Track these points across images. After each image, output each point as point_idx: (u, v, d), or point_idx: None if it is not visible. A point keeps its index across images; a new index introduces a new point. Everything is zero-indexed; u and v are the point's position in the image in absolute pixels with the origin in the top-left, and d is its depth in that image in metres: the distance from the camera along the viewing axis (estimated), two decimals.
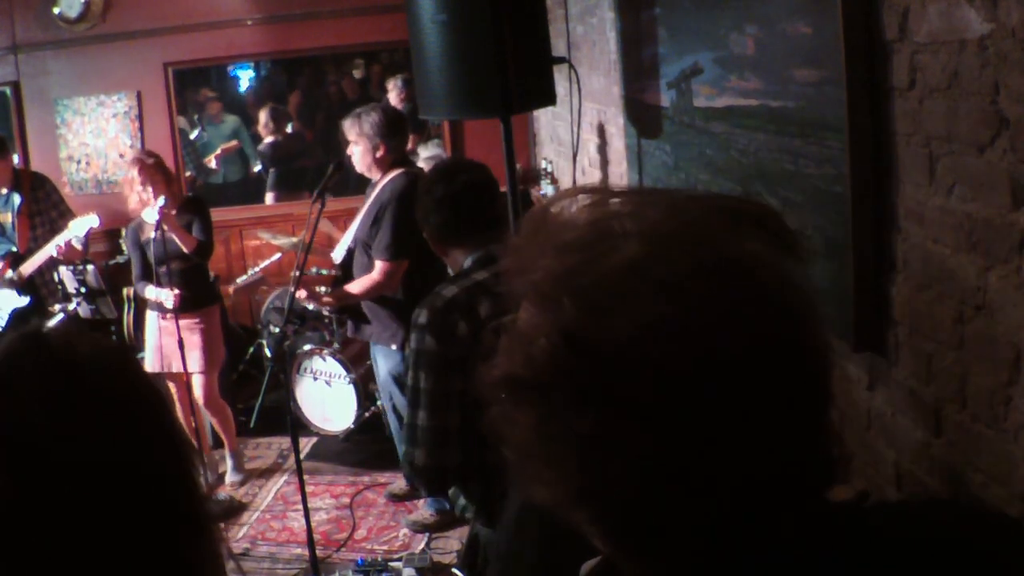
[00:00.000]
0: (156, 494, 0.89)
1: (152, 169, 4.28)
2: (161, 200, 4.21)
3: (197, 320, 4.44)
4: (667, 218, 0.71)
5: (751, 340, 0.67)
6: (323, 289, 4.29)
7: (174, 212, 4.36)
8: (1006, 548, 0.75)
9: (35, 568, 0.83)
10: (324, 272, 5.39)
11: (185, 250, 4.31)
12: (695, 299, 0.67)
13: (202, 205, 4.53)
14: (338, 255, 4.23)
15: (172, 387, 4.50)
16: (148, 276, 4.42)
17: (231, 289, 4.62)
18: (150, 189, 4.25)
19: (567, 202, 0.77)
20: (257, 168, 6.90)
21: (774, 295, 0.70)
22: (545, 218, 0.76)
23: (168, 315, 4.30)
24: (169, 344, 4.32)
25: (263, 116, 6.57)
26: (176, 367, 4.39)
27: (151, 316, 4.49)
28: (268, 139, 6.61)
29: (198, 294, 4.44)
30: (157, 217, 4.17)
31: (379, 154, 3.98)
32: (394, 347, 4.02)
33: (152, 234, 4.27)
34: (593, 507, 0.72)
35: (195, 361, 4.44)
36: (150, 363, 4.46)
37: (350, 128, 4.00)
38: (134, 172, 4.28)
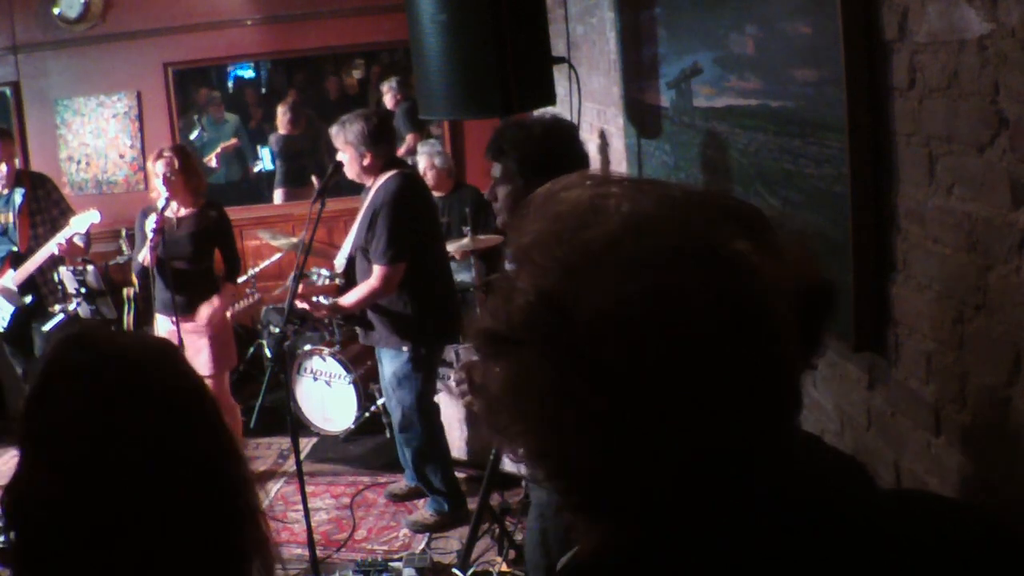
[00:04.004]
0: (203, 483, 0.89)
1: (178, 172, 4.28)
2: (162, 200, 4.21)
3: (205, 322, 4.44)
4: (654, 204, 0.74)
5: (713, 328, 0.70)
6: (323, 299, 4.28)
7: (193, 211, 4.37)
8: (961, 536, 0.81)
9: (87, 561, 0.84)
10: (324, 273, 5.39)
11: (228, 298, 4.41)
12: (663, 280, 0.70)
13: (223, 220, 4.48)
14: (340, 263, 4.23)
15: None
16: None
17: (228, 315, 4.63)
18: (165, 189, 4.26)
19: (573, 184, 0.82)
20: (258, 168, 6.92)
21: (747, 291, 0.72)
22: (548, 195, 0.81)
23: (178, 317, 4.31)
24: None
25: (281, 109, 6.59)
26: None
27: (161, 320, 4.48)
28: (281, 132, 6.63)
29: (205, 296, 4.43)
30: (156, 219, 4.18)
31: (366, 162, 3.97)
32: (404, 348, 4.01)
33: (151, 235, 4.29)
34: (553, 463, 0.76)
35: (204, 364, 4.42)
36: None
37: (335, 137, 4.00)
38: (159, 167, 4.27)
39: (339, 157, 4.02)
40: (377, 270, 3.92)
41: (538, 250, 0.74)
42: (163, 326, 4.43)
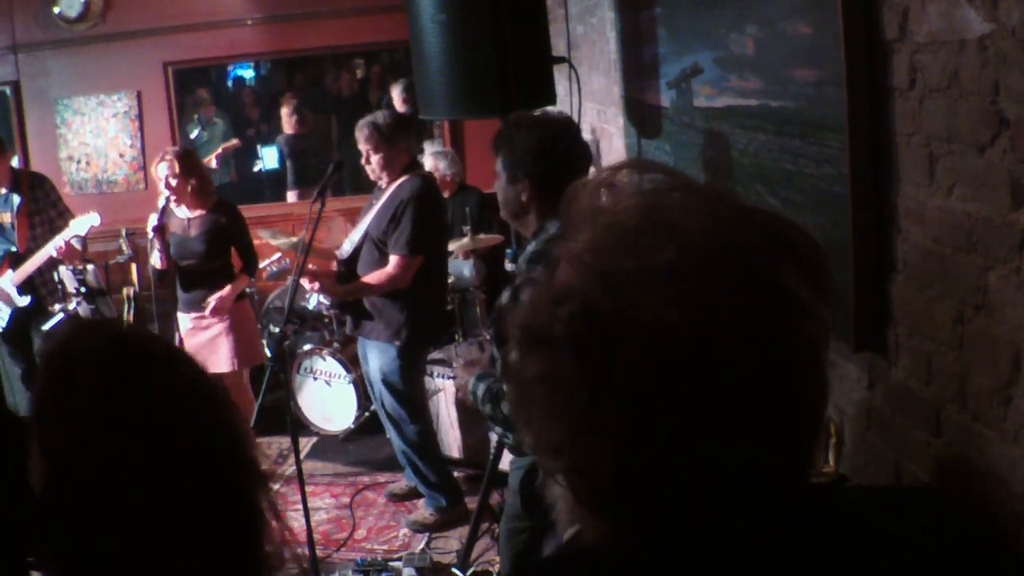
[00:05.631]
0: (222, 480, 0.88)
1: (180, 176, 4.27)
2: (162, 200, 4.22)
3: (223, 318, 4.41)
4: (711, 232, 0.74)
5: (748, 365, 0.71)
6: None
7: (204, 212, 4.38)
8: (954, 534, 0.81)
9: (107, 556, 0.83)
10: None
11: (244, 286, 4.47)
12: (712, 316, 0.71)
13: (234, 218, 4.47)
14: (345, 251, 4.24)
15: None
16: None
17: (264, 275, 4.60)
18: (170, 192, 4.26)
19: (626, 175, 0.82)
20: (257, 168, 6.91)
21: (787, 330, 0.73)
22: (602, 186, 0.81)
23: (194, 314, 4.31)
24: (199, 344, 4.33)
25: (285, 110, 6.59)
26: (207, 368, 4.38)
27: (182, 317, 4.47)
28: (287, 132, 6.63)
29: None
30: (156, 219, 4.19)
31: (399, 159, 4.03)
32: (396, 343, 4.03)
33: (174, 229, 4.35)
34: (568, 462, 0.77)
35: (222, 360, 4.42)
36: None
37: (370, 134, 3.99)
38: (161, 172, 4.28)
39: (368, 156, 4.03)
40: (396, 259, 3.96)
41: (591, 257, 0.75)
42: (183, 324, 4.44)
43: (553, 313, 0.74)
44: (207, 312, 4.31)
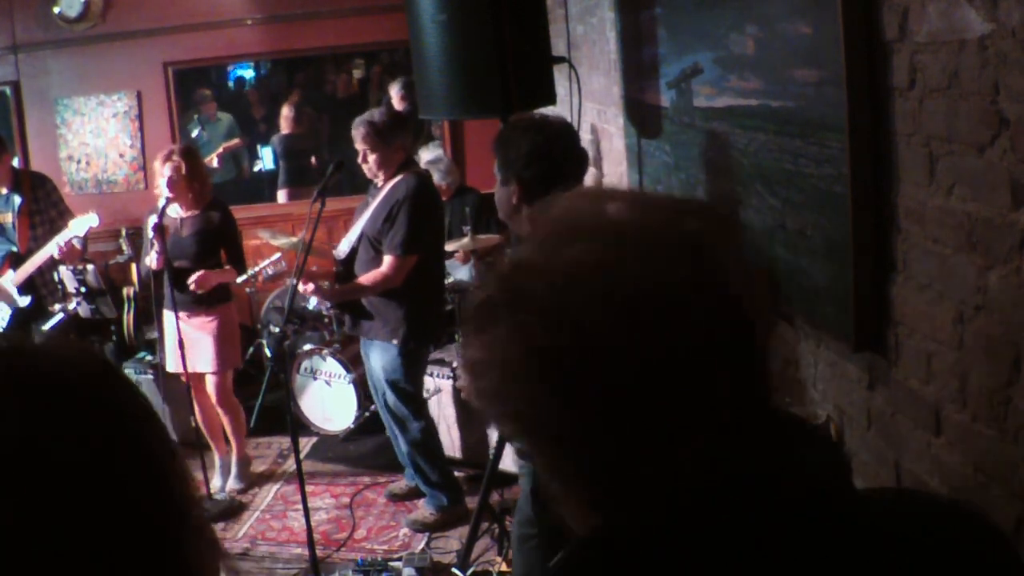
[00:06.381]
0: (129, 507, 0.79)
1: (183, 176, 4.27)
2: (162, 200, 4.22)
3: (211, 319, 4.42)
4: (633, 224, 0.77)
5: (684, 356, 0.72)
6: (326, 285, 4.30)
7: (197, 212, 4.38)
8: (945, 536, 0.82)
9: None
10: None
11: (230, 280, 4.44)
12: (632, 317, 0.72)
13: (227, 220, 4.46)
14: (342, 251, 4.24)
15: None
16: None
17: (260, 277, 4.61)
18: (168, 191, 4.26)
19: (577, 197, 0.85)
20: (258, 168, 6.91)
21: (708, 321, 0.74)
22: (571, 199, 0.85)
23: (183, 314, 4.31)
24: (187, 344, 4.32)
25: (285, 109, 6.59)
26: (193, 367, 4.38)
27: (168, 316, 4.47)
28: (283, 132, 6.63)
29: (211, 293, 4.42)
30: (156, 219, 4.19)
31: (395, 158, 4.04)
32: (395, 342, 4.04)
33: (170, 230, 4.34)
34: (527, 441, 0.79)
35: (208, 360, 4.42)
36: (170, 364, 4.44)
37: (362, 136, 4.00)
38: (166, 170, 4.27)
39: (364, 155, 4.03)
40: (389, 259, 3.97)
41: (508, 267, 0.79)
42: (171, 323, 4.44)
43: (494, 274, 0.79)
44: (191, 284, 4.28)
